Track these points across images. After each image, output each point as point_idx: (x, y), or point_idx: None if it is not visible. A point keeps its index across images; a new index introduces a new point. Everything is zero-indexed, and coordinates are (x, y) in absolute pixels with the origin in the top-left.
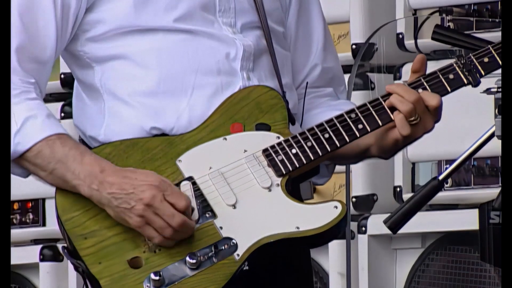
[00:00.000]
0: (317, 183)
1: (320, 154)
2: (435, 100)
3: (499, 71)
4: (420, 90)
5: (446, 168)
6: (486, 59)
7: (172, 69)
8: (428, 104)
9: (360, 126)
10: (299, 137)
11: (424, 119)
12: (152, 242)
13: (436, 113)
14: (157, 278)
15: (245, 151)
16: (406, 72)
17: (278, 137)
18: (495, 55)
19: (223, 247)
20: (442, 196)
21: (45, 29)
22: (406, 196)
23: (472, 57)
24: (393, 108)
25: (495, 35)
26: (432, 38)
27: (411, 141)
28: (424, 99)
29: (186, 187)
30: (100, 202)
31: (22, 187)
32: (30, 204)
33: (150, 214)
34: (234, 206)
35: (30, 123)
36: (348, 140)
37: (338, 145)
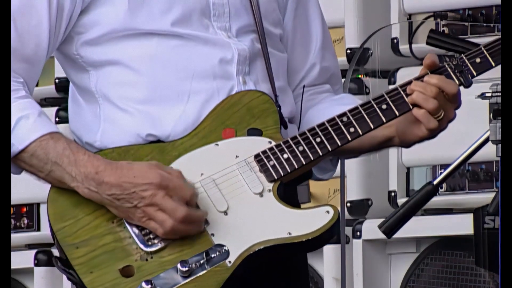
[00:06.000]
0: (322, 178)
1: (312, 158)
2: (453, 87)
3: (494, 74)
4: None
5: (441, 173)
6: (478, 60)
7: (167, 76)
8: (448, 92)
9: (352, 129)
10: (291, 142)
11: (446, 110)
12: (157, 234)
13: (455, 100)
14: (149, 286)
15: (236, 156)
16: (401, 77)
17: (270, 142)
18: (487, 55)
19: (215, 254)
20: (437, 200)
21: (37, 29)
22: (400, 201)
23: (464, 57)
24: (388, 111)
25: (489, 40)
26: (427, 43)
27: (437, 133)
28: (442, 87)
29: None
30: (101, 202)
31: (16, 192)
32: (25, 209)
33: (152, 211)
34: (225, 212)
35: (22, 124)
36: (339, 144)
37: (330, 149)
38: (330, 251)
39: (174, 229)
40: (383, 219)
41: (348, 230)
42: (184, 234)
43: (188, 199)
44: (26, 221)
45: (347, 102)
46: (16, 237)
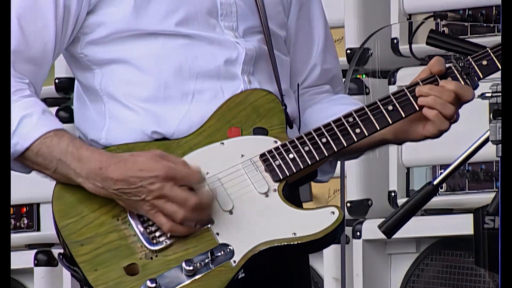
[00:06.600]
0: (322, 180)
1: (318, 158)
2: (469, 94)
3: (494, 74)
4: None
5: (441, 173)
6: (484, 62)
7: (172, 75)
8: (464, 99)
9: (358, 130)
10: (297, 142)
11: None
12: (163, 229)
13: (463, 104)
14: (153, 285)
15: (242, 156)
16: (401, 77)
17: (276, 142)
18: (494, 57)
19: (220, 254)
20: (437, 201)
21: (44, 31)
22: (400, 201)
23: (470, 60)
24: (394, 112)
25: (489, 40)
26: (427, 43)
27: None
28: (459, 93)
29: None
30: (109, 196)
31: (16, 192)
32: (25, 209)
33: (161, 203)
34: (230, 211)
35: (26, 122)
36: (345, 144)
37: (336, 149)
38: (330, 251)
39: (185, 218)
40: (383, 219)
41: (348, 230)
42: (195, 222)
43: (197, 185)
44: (26, 221)
45: (346, 102)
46: (16, 237)
